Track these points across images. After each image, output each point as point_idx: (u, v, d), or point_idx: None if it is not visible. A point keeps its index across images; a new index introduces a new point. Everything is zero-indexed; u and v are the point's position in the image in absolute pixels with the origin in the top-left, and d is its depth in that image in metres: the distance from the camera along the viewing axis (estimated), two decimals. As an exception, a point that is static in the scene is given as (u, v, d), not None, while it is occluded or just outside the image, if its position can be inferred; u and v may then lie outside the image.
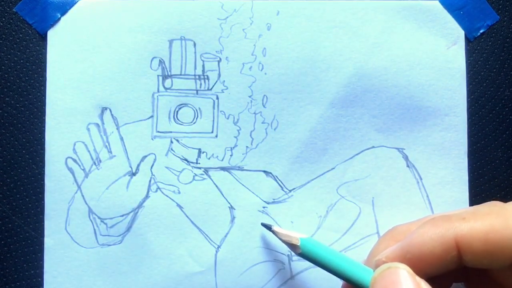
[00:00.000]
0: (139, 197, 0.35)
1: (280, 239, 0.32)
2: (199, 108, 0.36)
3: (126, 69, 0.36)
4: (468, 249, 0.25)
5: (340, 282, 0.30)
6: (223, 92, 0.36)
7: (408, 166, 0.36)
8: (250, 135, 0.36)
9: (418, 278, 0.26)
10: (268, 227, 0.33)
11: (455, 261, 0.25)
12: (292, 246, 0.31)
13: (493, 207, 0.26)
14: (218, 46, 0.36)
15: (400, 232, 0.29)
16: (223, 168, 0.36)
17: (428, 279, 0.26)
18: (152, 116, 0.36)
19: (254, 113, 0.36)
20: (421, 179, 0.36)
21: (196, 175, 0.36)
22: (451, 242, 0.25)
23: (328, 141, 0.36)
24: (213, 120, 0.36)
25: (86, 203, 0.35)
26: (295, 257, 0.36)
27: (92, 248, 0.35)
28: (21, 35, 0.36)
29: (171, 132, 0.36)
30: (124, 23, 0.36)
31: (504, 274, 0.26)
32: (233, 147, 0.36)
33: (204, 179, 0.36)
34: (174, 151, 0.36)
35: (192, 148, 0.36)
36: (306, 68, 0.36)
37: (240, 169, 0.36)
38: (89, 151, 0.36)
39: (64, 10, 0.36)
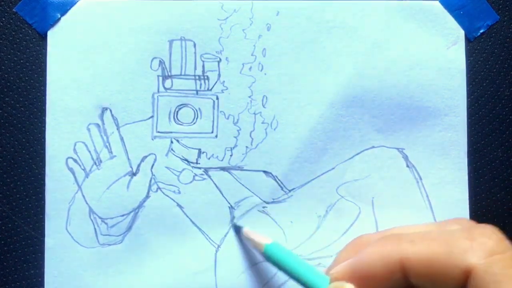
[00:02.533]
0: (139, 197, 0.36)
1: (248, 242, 0.33)
2: (199, 109, 0.36)
3: (126, 69, 0.36)
4: (412, 272, 0.25)
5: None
6: (223, 92, 0.36)
7: (408, 166, 0.36)
8: (250, 135, 0.36)
9: None
10: (238, 228, 0.34)
11: (402, 282, 0.26)
12: (259, 250, 0.32)
13: (443, 233, 0.26)
14: (218, 46, 0.36)
15: (363, 242, 0.29)
16: (223, 168, 0.36)
17: None
18: (152, 116, 0.36)
19: (254, 113, 0.36)
20: (421, 179, 0.36)
21: (196, 175, 0.36)
22: (396, 264, 0.25)
23: (328, 141, 0.36)
24: (213, 120, 0.36)
25: (87, 203, 0.35)
26: (295, 257, 0.36)
27: (93, 248, 0.35)
28: (21, 35, 0.36)
29: (171, 132, 0.36)
30: (124, 23, 0.36)
31: None
32: (233, 147, 0.36)
33: (204, 179, 0.36)
34: (174, 151, 0.36)
35: (192, 148, 0.36)
36: (306, 69, 0.36)
37: (240, 169, 0.36)
38: (89, 151, 0.36)
39: (64, 10, 0.36)
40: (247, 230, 0.33)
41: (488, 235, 0.25)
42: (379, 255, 0.26)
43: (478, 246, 0.24)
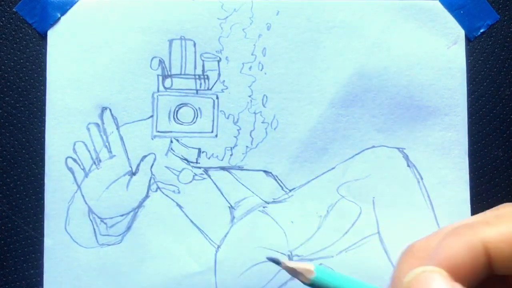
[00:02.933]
0: (139, 196, 0.35)
1: (291, 273, 0.28)
2: (199, 108, 0.36)
3: (126, 69, 0.36)
4: (498, 254, 0.23)
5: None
6: (223, 91, 0.36)
7: (408, 165, 0.36)
8: (250, 135, 0.36)
9: (455, 284, 0.24)
10: (276, 262, 0.28)
11: (486, 270, 0.24)
12: (303, 277, 0.27)
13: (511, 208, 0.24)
14: (218, 46, 0.36)
15: (420, 249, 0.27)
16: (223, 168, 0.36)
17: None
18: (152, 116, 0.36)
19: (254, 112, 0.36)
20: (421, 178, 0.36)
21: (196, 174, 0.36)
22: (480, 249, 0.23)
23: (328, 140, 0.36)
24: (213, 120, 0.36)
25: (86, 203, 0.35)
26: (296, 257, 0.36)
27: (92, 248, 0.35)
28: (21, 35, 0.36)
29: (171, 131, 0.36)
30: (124, 23, 0.36)
31: None
32: (233, 147, 0.36)
33: (204, 178, 0.36)
34: (174, 151, 0.36)
35: (192, 147, 0.36)
36: (306, 68, 0.36)
37: (240, 168, 0.36)
38: (89, 151, 0.36)
39: (64, 10, 0.36)
40: (286, 261, 0.28)
41: None
42: (459, 245, 0.23)
43: None
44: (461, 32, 0.37)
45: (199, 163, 0.36)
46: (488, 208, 0.36)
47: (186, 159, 0.36)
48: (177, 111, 0.36)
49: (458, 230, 0.24)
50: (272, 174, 0.36)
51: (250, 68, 0.36)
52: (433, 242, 0.26)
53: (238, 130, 0.36)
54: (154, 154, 0.36)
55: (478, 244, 0.23)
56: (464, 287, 0.23)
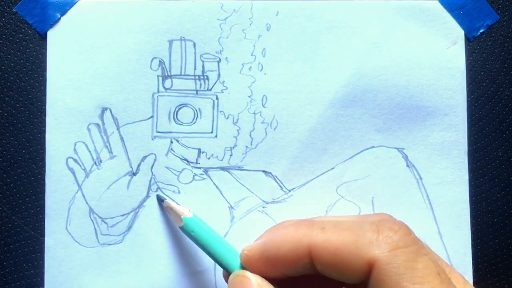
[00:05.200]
0: (139, 196, 0.36)
1: (168, 214, 0.34)
2: (199, 108, 0.36)
3: (126, 70, 0.36)
4: (319, 259, 0.26)
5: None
6: (223, 92, 0.36)
7: (408, 166, 0.36)
8: (250, 135, 0.36)
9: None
10: (160, 200, 0.35)
11: (310, 269, 0.26)
12: (176, 221, 0.33)
13: (354, 224, 0.26)
14: (217, 46, 0.36)
15: (284, 224, 0.30)
16: (222, 168, 0.36)
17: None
18: (152, 116, 0.36)
19: (254, 113, 0.36)
20: (421, 179, 0.36)
21: (196, 175, 0.36)
22: (305, 249, 0.26)
23: (328, 141, 0.36)
24: (213, 120, 0.36)
25: (87, 203, 0.35)
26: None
27: (93, 247, 0.35)
28: (21, 35, 0.36)
29: (171, 132, 0.36)
30: (124, 23, 0.36)
31: None
32: (233, 147, 0.36)
33: (204, 179, 0.36)
34: (174, 151, 0.36)
35: (192, 148, 0.36)
36: (305, 68, 0.36)
37: (240, 169, 0.36)
38: (89, 151, 0.36)
39: (64, 10, 0.36)
40: (168, 202, 0.34)
41: (395, 230, 0.25)
42: (289, 238, 0.26)
43: (384, 239, 0.25)
44: (461, 32, 0.37)
45: (199, 163, 0.36)
46: (486, 210, 0.36)
47: (186, 160, 0.36)
48: (177, 111, 0.36)
49: (298, 225, 0.27)
50: (271, 174, 0.36)
51: (249, 68, 0.36)
52: (294, 221, 0.29)
53: (237, 130, 0.36)
54: (154, 154, 0.36)
55: (305, 244, 0.26)
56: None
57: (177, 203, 0.34)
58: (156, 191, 0.36)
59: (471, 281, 0.36)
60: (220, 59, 0.36)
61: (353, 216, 0.31)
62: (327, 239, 0.26)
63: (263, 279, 0.28)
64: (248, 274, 0.28)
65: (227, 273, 0.30)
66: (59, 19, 0.36)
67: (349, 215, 0.31)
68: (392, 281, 0.24)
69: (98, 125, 0.36)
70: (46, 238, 0.35)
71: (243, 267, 0.29)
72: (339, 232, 0.26)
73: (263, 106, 0.36)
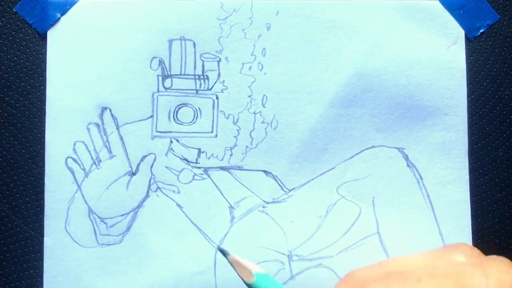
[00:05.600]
0: (139, 196, 0.35)
1: (234, 269, 0.29)
2: (199, 108, 0.36)
3: (126, 69, 0.36)
4: None
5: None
6: (223, 92, 0.36)
7: (408, 165, 0.36)
8: (250, 135, 0.36)
9: None
10: (224, 254, 0.29)
11: None
12: (244, 277, 0.28)
13: (453, 268, 0.23)
14: (217, 46, 0.36)
15: (358, 278, 0.26)
16: (222, 168, 0.36)
17: None
18: (152, 116, 0.36)
19: (254, 112, 0.36)
20: (421, 178, 0.36)
21: (196, 174, 0.36)
22: None
23: (328, 140, 0.36)
24: (213, 120, 0.36)
25: (86, 203, 0.35)
26: (295, 257, 0.36)
27: (92, 247, 0.35)
28: (21, 35, 0.36)
29: (171, 132, 0.36)
30: (124, 23, 0.36)
31: None
32: (233, 147, 0.36)
33: (204, 178, 0.36)
34: (174, 151, 0.36)
35: (192, 148, 0.36)
36: (306, 68, 0.36)
37: (240, 168, 0.36)
38: (89, 151, 0.36)
39: (64, 10, 0.36)
40: (234, 257, 0.29)
41: (505, 270, 0.22)
42: None
43: (494, 284, 0.22)
44: (461, 32, 0.37)
45: (199, 163, 0.36)
46: (487, 210, 0.36)
47: (186, 159, 0.36)
48: (177, 111, 0.36)
49: (388, 281, 0.23)
50: (272, 174, 0.36)
51: (250, 68, 0.36)
52: (373, 274, 0.25)
53: (238, 130, 0.36)
54: (154, 154, 0.36)
55: None
56: None
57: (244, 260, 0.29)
58: (156, 191, 0.36)
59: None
60: (220, 58, 0.36)
61: (431, 253, 0.26)
62: None
63: None
64: None
65: None
66: (59, 19, 0.36)
67: (424, 252, 0.26)
68: None
69: (97, 124, 0.36)
70: (45, 238, 0.35)
71: None
72: (440, 282, 0.23)
73: (263, 106, 0.36)
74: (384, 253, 0.36)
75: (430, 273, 0.23)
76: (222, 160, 0.36)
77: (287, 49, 0.36)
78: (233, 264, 0.29)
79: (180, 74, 0.36)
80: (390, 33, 0.36)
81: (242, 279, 0.28)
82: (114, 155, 0.36)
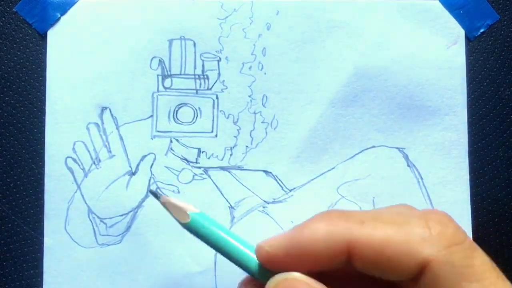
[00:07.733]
0: (138, 196, 0.35)
1: (169, 211, 0.27)
2: (199, 108, 0.36)
3: (126, 69, 0.36)
4: (360, 257, 0.23)
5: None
6: (223, 91, 0.36)
7: (408, 165, 0.36)
8: (250, 135, 0.36)
9: None
10: (156, 196, 0.28)
11: (344, 264, 0.23)
12: (181, 220, 0.27)
13: (397, 215, 0.24)
14: (217, 45, 0.36)
15: (316, 219, 0.25)
16: (222, 168, 0.36)
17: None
18: (151, 116, 0.36)
19: (254, 112, 0.36)
20: (421, 178, 0.36)
21: (195, 174, 0.36)
22: (343, 246, 0.23)
23: (328, 140, 0.36)
24: (213, 120, 0.36)
25: (86, 203, 0.35)
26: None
27: (92, 247, 0.35)
28: (21, 35, 0.36)
29: (170, 131, 0.36)
30: (124, 23, 0.36)
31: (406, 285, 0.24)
32: (233, 147, 0.36)
33: (204, 178, 0.36)
34: (173, 151, 0.36)
35: (192, 147, 0.36)
36: (306, 68, 0.36)
37: (240, 168, 0.36)
38: (88, 151, 0.35)
39: (64, 10, 0.36)
40: (165, 198, 0.27)
41: (445, 223, 0.23)
42: (323, 233, 0.23)
43: (437, 235, 0.22)
44: (461, 32, 0.37)
45: (199, 163, 0.36)
46: (487, 209, 0.36)
47: (186, 159, 0.36)
48: (177, 111, 0.36)
49: (331, 218, 0.24)
50: (272, 174, 0.36)
51: (250, 68, 0.36)
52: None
53: (238, 130, 0.36)
54: (153, 154, 0.36)
55: (343, 240, 0.23)
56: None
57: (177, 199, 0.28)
58: (156, 190, 0.35)
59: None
60: (220, 58, 0.36)
61: (386, 208, 0.26)
62: (370, 235, 0.22)
63: (318, 282, 0.24)
64: (302, 277, 0.24)
65: (251, 277, 0.26)
66: (59, 19, 0.36)
67: (380, 208, 0.27)
68: (449, 280, 0.22)
69: (97, 124, 0.36)
70: (45, 238, 0.35)
71: (260, 264, 0.25)
72: (382, 227, 0.23)
73: (263, 106, 0.36)
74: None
75: (373, 217, 0.23)
76: (222, 160, 0.36)
77: (287, 49, 0.36)
78: (166, 206, 0.27)
79: (180, 74, 0.36)
80: (390, 33, 0.36)
81: (177, 221, 0.27)
82: (114, 155, 0.36)
